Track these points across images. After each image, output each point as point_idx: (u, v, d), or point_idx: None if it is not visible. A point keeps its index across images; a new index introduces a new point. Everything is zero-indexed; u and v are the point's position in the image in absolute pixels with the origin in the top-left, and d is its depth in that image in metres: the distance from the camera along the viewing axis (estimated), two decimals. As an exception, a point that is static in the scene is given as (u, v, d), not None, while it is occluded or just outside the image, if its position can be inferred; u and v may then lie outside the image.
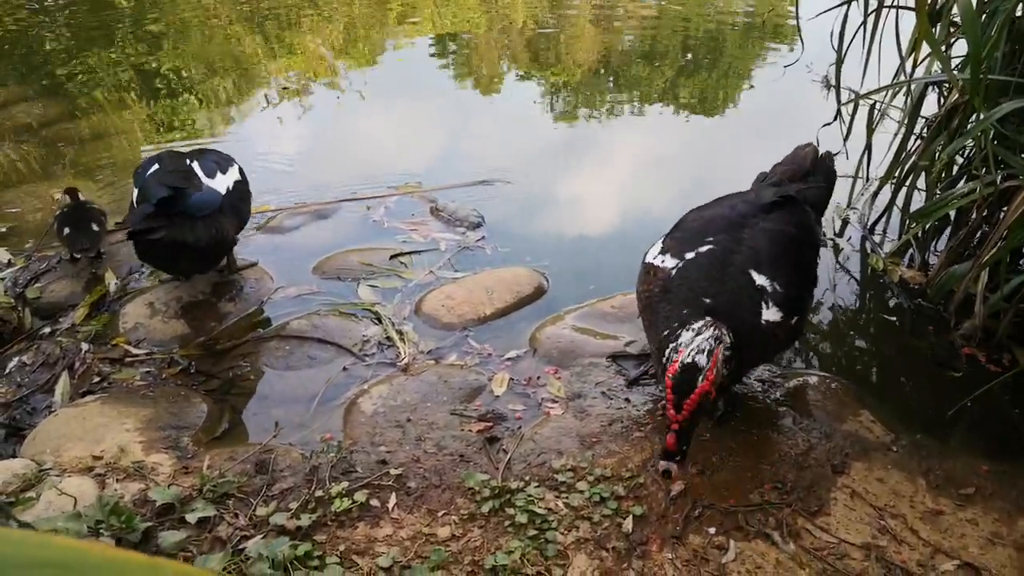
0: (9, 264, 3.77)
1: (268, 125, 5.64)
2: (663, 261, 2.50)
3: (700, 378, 2.07)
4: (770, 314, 2.38)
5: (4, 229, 4.07)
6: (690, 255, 2.46)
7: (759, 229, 2.50)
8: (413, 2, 9.46)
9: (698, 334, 2.18)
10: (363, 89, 6.39)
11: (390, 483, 2.52)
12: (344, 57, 7.38)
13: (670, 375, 2.11)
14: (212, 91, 6.28)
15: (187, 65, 6.89)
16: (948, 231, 3.75)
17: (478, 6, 9.18)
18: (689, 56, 7.21)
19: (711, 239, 2.47)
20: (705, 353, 2.11)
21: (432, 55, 7.53)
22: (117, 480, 2.54)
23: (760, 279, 2.39)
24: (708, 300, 2.33)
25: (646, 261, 2.61)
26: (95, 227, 3.71)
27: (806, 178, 2.88)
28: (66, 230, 3.67)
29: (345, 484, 2.49)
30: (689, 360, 2.11)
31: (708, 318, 2.25)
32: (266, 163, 4.85)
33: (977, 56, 2.45)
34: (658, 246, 2.61)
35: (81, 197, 3.84)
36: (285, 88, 6.19)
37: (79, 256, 3.78)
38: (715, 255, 2.43)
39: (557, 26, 8.16)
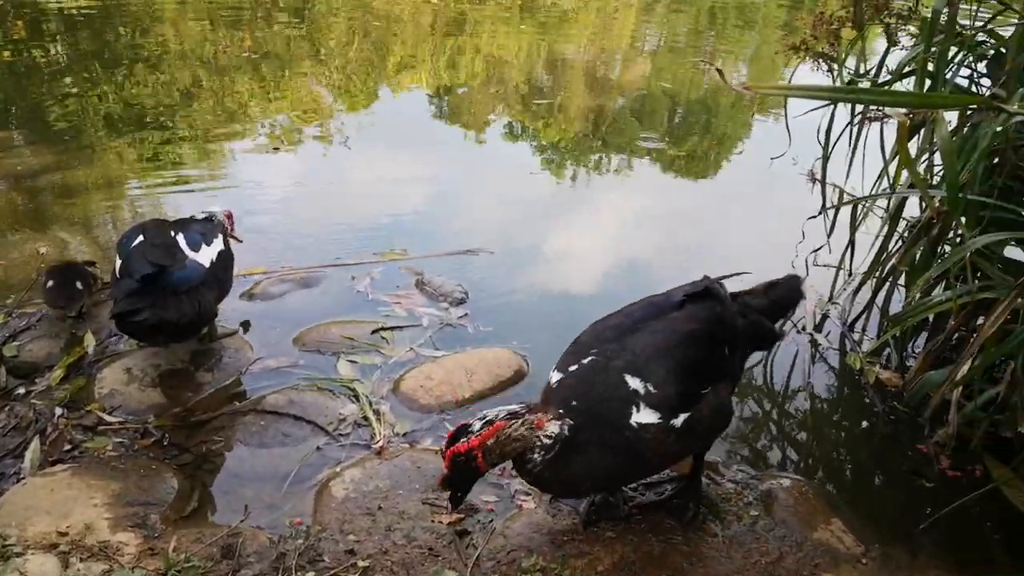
0: (-11, 319, 3.75)
1: (258, 177, 5.67)
2: (552, 377, 2.55)
3: (464, 437, 2.25)
4: (643, 416, 2.37)
5: (-15, 283, 4.06)
6: (573, 368, 2.49)
7: (649, 331, 2.52)
8: (413, 52, 9.63)
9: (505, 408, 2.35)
10: (353, 142, 6.49)
11: (357, 575, 2.49)
12: (338, 104, 7.50)
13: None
14: (204, 140, 6.33)
15: (182, 109, 6.96)
16: (927, 333, 3.79)
17: (477, 62, 9.35)
18: (677, 126, 7.35)
19: (595, 350, 2.50)
20: (483, 420, 2.27)
21: (425, 110, 7.68)
22: (81, 560, 2.49)
23: (634, 382, 2.39)
24: (574, 402, 2.39)
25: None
26: (79, 285, 3.71)
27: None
28: (49, 283, 3.67)
29: (311, 575, 2.46)
30: (468, 422, 2.29)
31: (558, 410, 2.36)
32: (254, 219, 4.86)
33: (953, 188, 2.50)
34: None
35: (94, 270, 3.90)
36: (276, 149, 6.25)
37: (68, 314, 3.76)
38: (595, 365, 2.46)
39: (550, 92, 8.31)
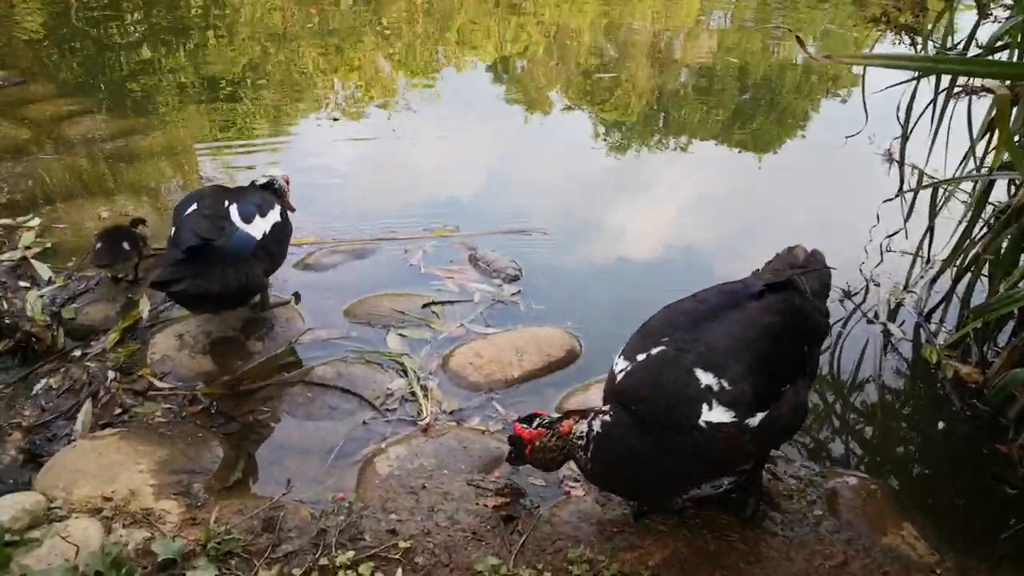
0: (49, 281, 3.80)
1: (317, 148, 5.66)
2: (617, 364, 2.42)
3: (527, 424, 2.48)
4: (715, 415, 2.20)
5: (48, 245, 4.10)
6: (641, 357, 2.34)
7: (726, 321, 2.35)
8: (475, 26, 9.49)
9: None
10: (413, 116, 6.41)
11: (398, 556, 2.42)
12: (400, 78, 7.44)
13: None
14: (269, 110, 6.34)
15: (248, 80, 7.00)
16: (1012, 326, 3.53)
17: (539, 37, 9.17)
18: (745, 104, 7.07)
19: (666, 339, 2.34)
20: (527, 420, 2.49)
21: (487, 85, 7.55)
22: (124, 526, 2.48)
23: (706, 378, 2.23)
24: (635, 406, 2.29)
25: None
26: (126, 246, 3.72)
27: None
28: (98, 244, 3.69)
29: (351, 553, 2.40)
30: (542, 413, 2.52)
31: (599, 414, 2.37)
32: (310, 189, 4.81)
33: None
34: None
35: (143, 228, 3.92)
36: (336, 119, 6.22)
37: (121, 277, 3.79)
38: (664, 357, 2.30)
39: (613, 67, 8.08)
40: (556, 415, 2.47)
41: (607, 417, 2.31)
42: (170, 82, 6.83)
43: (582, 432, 2.35)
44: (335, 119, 6.22)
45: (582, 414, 2.40)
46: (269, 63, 7.62)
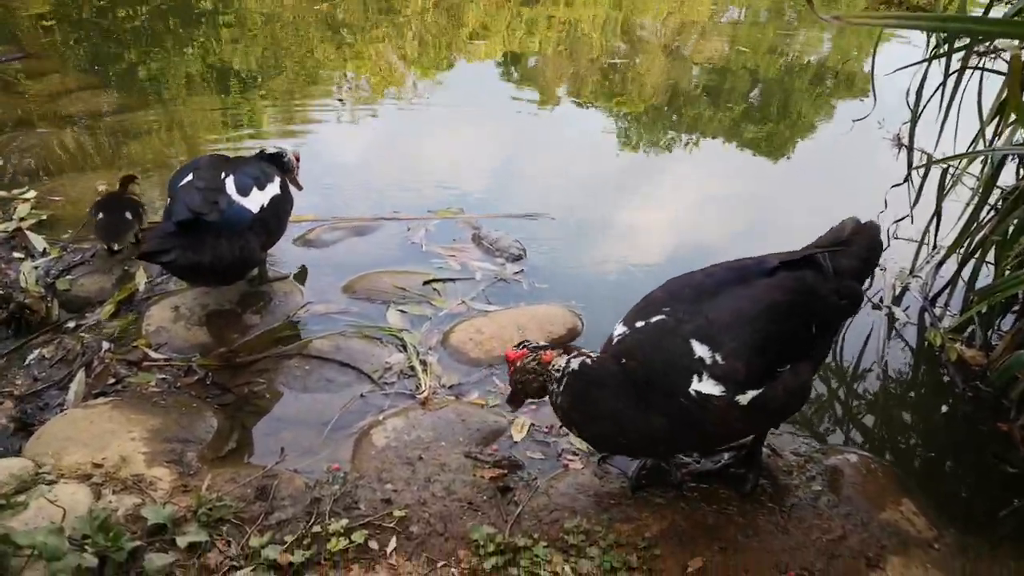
0: (44, 253, 3.76)
1: (324, 132, 5.63)
2: (615, 329, 2.40)
3: (513, 349, 2.44)
4: (705, 386, 2.17)
5: (44, 216, 4.07)
6: (640, 324, 2.32)
7: (731, 296, 2.30)
8: (487, 19, 9.43)
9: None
10: (424, 105, 6.35)
11: (392, 525, 2.39)
12: (411, 68, 7.39)
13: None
14: (276, 93, 6.30)
15: (256, 64, 6.97)
16: (1017, 310, 3.49)
17: (551, 31, 9.10)
18: (755, 94, 7.02)
19: (667, 309, 2.31)
20: (518, 345, 2.45)
21: (497, 77, 7.48)
22: (113, 492, 2.45)
23: (700, 350, 2.19)
24: (624, 359, 2.27)
25: None
26: (128, 216, 3.70)
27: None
28: (100, 215, 3.66)
29: (345, 521, 2.37)
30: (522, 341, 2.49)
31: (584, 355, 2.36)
32: (314, 170, 4.77)
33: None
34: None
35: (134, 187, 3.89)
36: (341, 100, 6.18)
37: (118, 248, 3.75)
38: (662, 326, 2.28)
39: (624, 56, 8.02)
40: (545, 343, 2.45)
41: (587, 360, 2.30)
42: (176, 66, 6.79)
43: (560, 366, 2.32)
44: (340, 100, 6.18)
45: (567, 350, 2.37)
46: (278, 48, 7.57)
